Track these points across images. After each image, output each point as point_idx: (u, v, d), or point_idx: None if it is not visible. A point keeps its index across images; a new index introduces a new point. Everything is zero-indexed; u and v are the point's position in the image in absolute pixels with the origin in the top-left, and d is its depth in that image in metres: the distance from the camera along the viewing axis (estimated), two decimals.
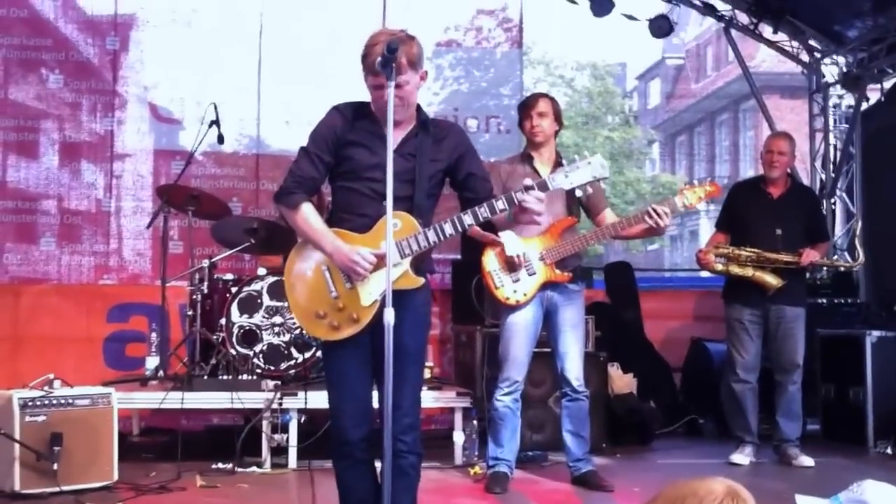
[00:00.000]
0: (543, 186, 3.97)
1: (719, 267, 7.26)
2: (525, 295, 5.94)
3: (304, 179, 4.09)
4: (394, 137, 3.87)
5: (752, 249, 7.15)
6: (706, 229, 29.07)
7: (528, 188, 3.92)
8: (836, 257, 9.67)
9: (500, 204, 3.97)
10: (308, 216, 4.05)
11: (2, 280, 9.27)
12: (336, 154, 4.08)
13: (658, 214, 5.69)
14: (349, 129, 4.07)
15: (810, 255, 7.17)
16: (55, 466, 5.42)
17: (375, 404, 4.10)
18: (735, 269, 7.19)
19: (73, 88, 9.60)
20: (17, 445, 5.40)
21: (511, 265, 5.92)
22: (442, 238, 3.99)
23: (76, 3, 9.67)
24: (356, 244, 3.96)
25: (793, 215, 7.27)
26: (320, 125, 4.13)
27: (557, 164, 6.14)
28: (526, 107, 6.25)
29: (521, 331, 6.01)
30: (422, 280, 4.06)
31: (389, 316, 3.58)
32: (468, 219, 3.99)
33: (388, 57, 3.77)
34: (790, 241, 7.18)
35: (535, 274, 5.94)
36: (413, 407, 4.08)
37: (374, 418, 4.09)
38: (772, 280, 7.09)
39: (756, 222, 7.25)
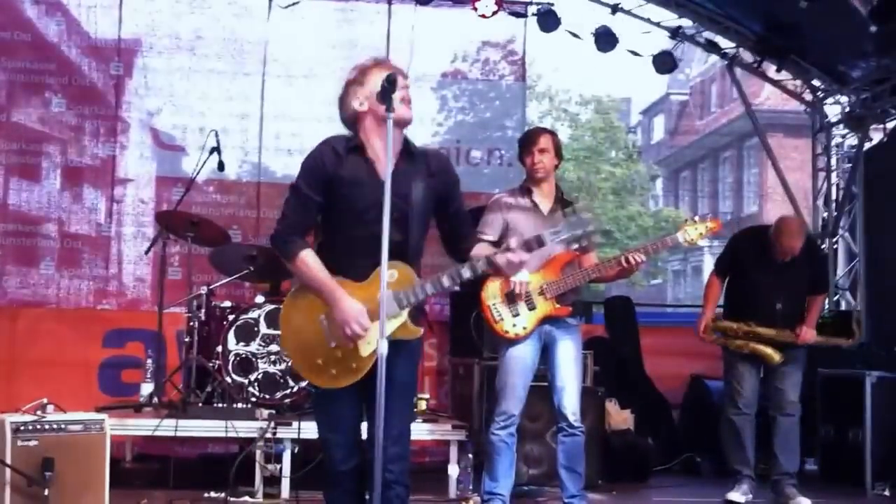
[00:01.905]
0: (531, 245, 4.07)
1: (719, 342, 7.32)
2: (524, 329, 5.91)
3: (298, 224, 4.05)
4: (381, 172, 3.90)
5: (749, 327, 7.16)
6: (709, 265, 29.06)
7: (509, 249, 4.01)
8: (836, 297, 9.68)
9: (482, 264, 4.04)
10: (309, 265, 3.99)
11: (1, 303, 9.23)
12: (327, 192, 4.02)
13: (630, 261, 5.83)
14: (340, 166, 4.01)
15: (806, 336, 7.16)
16: (46, 492, 5.36)
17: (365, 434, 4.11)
18: (734, 343, 7.22)
19: (76, 112, 9.63)
20: (8, 470, 5.35)
21: (511, 297, 5.89)
22: (439, 290, 4.05)
23: (81, 28, 9.70)
24: (355, 294, 3.95)
25: (797, 281, 7.24)
26: (309, 160, 4.08)
27: (557, 198, 6.18)
28: (527, 142, 6.23)
29: (519, 364, 5.96)
30: (420, 331, 4.07)
31: (383, 347, 3.61)
32: (466, 272, 4.02)
33: (387, 88, 3.77)
34: (789, 315, 7.19)
35: (534, 308, 5.91)
36: (401, 438, 4.05)
37: (365, 449, 4.08)
38: (773, 355, 7.11)
39: (757, 291, 7.22)
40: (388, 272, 3.80)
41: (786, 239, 7.16)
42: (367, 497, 3.98)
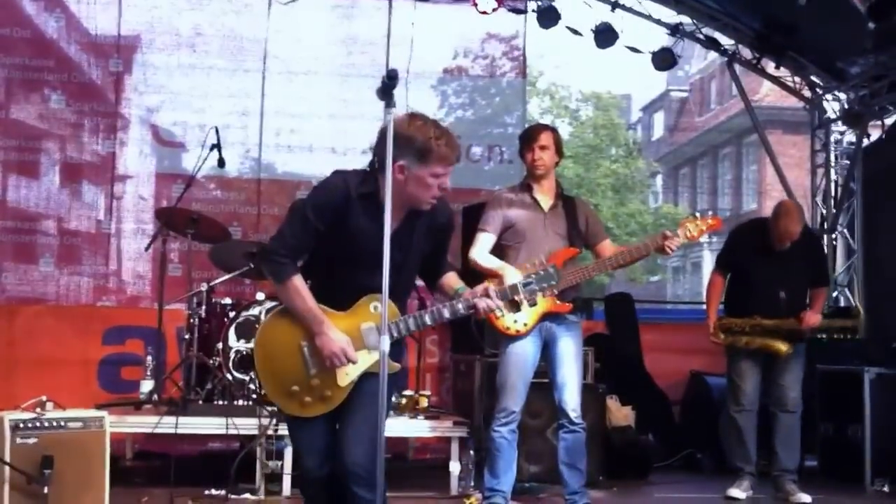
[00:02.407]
0: (505, 294, 4.32)
1: (727, 341, 7.28)
2: (525, 325, 5.91)
3: (297, 248, 4.01)
4: (391, 225, 3.82)
5: (754, 322, 7.16)
6: (708, 262, 29.10)
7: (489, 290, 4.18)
8: (835, 293, 9.68)
9: (462, 307, 4.16)
10: (299, 291, 3.98)
11: (0, 300, 9.23)
12: (330, 226, 3.97)
13: (672, 247, 5.84)
14: (348, 206, 3.96)
15: (811, 320, 7.17)
16: (46, 490, 5.34)
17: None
18: (742, 340, 7.21)
19: (75, 109, 9.63)
20: (7, 468, 5.34)
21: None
22: (420, 327, 4.11)
23: (80, 24, 9.68)
24: (337, 324, 3.98)
25: (797, 271, 7.26)
26: (322, 191, 4.02)
27: (557, 194, 6.19)
28: (528, 138, 6.22)
29: (519, 361, 5.96)
30: (398, 366, 4.10)
31: (385, 344, 3.65)
32: (446, 312, 4.12)
33: (388, 84, 3.73)
34: (794, 302, 7.20)
35: (535, 304, 5.90)
36: (371, 443, 3.94)
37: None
38: (781, 346, 7.11)
39: (759, 282, 7.24)
40: (372, 305, 3.98)
41: (785, 221, 7.18)
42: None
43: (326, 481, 4.17)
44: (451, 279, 4.33)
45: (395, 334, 4.00)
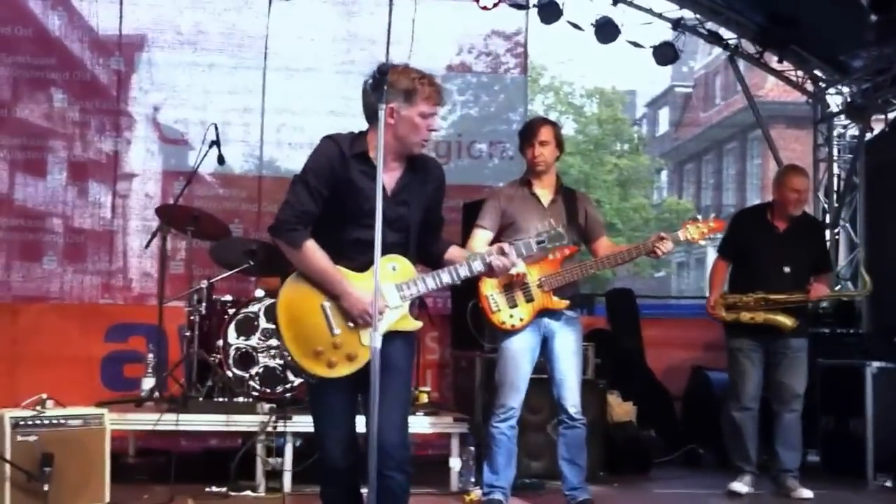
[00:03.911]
0: (520, 251, 4.31)
1: (730, 317, 7.20)
2: (521, 320, 5.91)
3: (305, 214, 4.05)
4: (387, 182, 4.06)
5: (759, 295, 7.10)
6: (712, 257, 29.01)
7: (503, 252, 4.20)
8: (838, 287, 9.66)
9: (478, 265, 4.20)
10: (315, 254, 4.04)
11: (5, 298, 9.26)
12: (333, 190, 4.06)
13: (663, 249, 5.83)
14: (345, 167, 4.06)
15: (819, 290, 7.14)
16: (46, 487, 5.37)
17: (361, 428, 4.18)
18: (746, 316, 7.12)
19: (80, 108, 9.65)
20: (7, 466, 5.37)
21: (509, 288, 5.89)
22: (439, 285, 4.16)
23: (86, 23, 9.71)
24: (356, 283, 4.02)
25: (800, 250, 7.22)
26: (318, 156, 4.10)
27: (558, 189, 6.19)
28: (528, 133, 6.20)
29: (517, 356, 5.97)
30: (419, 324, 4.16)
31: (377, 341, 3.69)
32: (463, 271, 4.18)
33: (379, 79, 3.81)
34: (798, 277, 7.15)
35: (532, 300, 5.91)
36: (402, 425, 4.10)
37: (361, 444, 4.14)
38: (786, 321, 7.01)
39: (763, 259, 7.19)
40: (389, 265, 4.04)
41: (791, 178, 7.20)
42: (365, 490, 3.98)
43: (348, 475, 4.20)
44: (457, 250, 4.39)
45: (414, 292, 4.09)
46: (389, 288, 4.05)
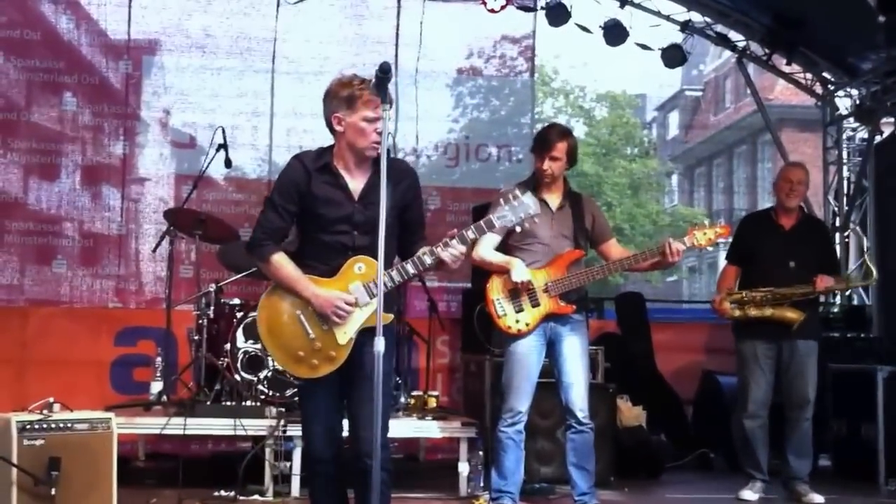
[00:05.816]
0: (481, 229, 4.37)
1: (737, 313, 7.15)
2: (527, 325, 5.89)
3: (273, 230, 4.40)
4: (354, 187, 4.37)
5: (766, 289, 7.06)
6: (724, 262, 28.91)
7: (448, 241, 4.28)
8: (848, 293, 9.62)
9: (427, 256, 4.32)
10: (282, 265, 4.36)
11: (16, 301, 9.26)
12: (301, 204, 4.38)
13: (672, 252, 5.80)
14: (311, 182, 4.36)
15: (824, 281, 7.08)
16: (53, 491, 5.35)
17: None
18: (752, 312, 7.08)
19: (92, 112, 9.67)
20: (14, 470, 5.35)
21: (515, 293, 5.89)
22: (404, 277, 4.38)
23: (99, 27, 9.74)
24: (327, 286, 4.32)
25: (805, 247, 7.20)
26: (282, 176, 4.45)
27: (565, 193, 6.18)
28: (543, 145, 6.08)
29: (523, 360, 5.95)
30: (391, 317, 4.28)
31: (380, 345, 3.79)
32: (427, 259, 4.30)
33: (381, 78, 3.92)
34: (804, 272, 7.10)
35: (538, 305, 5.90)
36: (382, 426, 4.20)
37: (343, 443, 4.55)
38: (792, 315, 6.98)
39: (769, 257, 7.18)
40: (355, 266, 4.32)
41: (789, 170, 7.36)
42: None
43: (329, 466, 4.49)
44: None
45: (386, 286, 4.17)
46: (357, 287, 4.30)
